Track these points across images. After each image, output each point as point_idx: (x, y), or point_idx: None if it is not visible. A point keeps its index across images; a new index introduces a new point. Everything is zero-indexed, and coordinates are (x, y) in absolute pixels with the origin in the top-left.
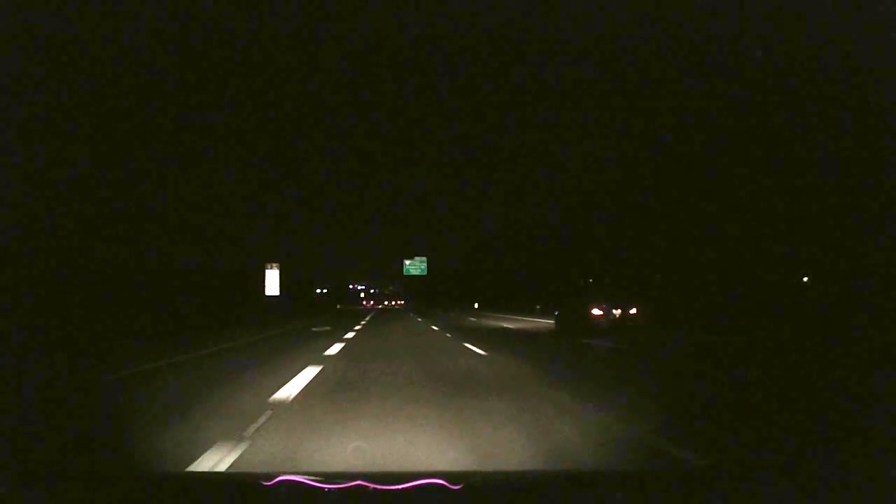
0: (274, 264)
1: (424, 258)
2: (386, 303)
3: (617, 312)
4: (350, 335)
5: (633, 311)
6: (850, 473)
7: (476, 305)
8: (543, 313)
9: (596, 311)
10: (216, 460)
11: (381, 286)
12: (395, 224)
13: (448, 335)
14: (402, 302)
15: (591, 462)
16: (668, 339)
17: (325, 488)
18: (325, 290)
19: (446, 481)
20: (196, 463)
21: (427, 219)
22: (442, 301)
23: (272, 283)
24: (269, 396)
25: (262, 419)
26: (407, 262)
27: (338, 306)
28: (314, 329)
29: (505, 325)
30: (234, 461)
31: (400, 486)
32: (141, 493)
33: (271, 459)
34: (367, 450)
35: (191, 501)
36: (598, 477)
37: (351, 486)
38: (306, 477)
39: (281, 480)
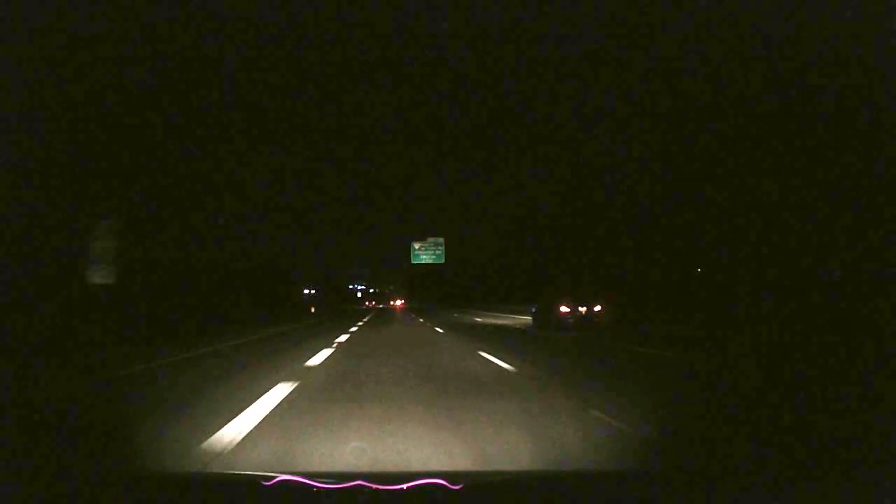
0: (105, 222)
1: (441, 239)
2: (392, 301)
3: (583, 310)
4: None
5: (598, 308)
6: (850, 473)
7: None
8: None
9: (563, 309)
10: None
11: (382, 285)
12: (402, 208)
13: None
14: (402, 302)
15: (591, 462)
16: (627, 332)
17: (325, 488)
18: (312, 291)
19: (446, 481)
20: None
21: (443, 196)
22: (453, 301)
23: (98, 269)
24: None
25: None
26: (416, 245)
27: (312, 310)
28: None
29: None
30: None
31: (400, 486)
32: (141, 493)
33: None
34: (367, 448)
35: (191, 501)
36: (599, 477)
37: (351, 486)
38: (306, 477)
39: (281, 480)
